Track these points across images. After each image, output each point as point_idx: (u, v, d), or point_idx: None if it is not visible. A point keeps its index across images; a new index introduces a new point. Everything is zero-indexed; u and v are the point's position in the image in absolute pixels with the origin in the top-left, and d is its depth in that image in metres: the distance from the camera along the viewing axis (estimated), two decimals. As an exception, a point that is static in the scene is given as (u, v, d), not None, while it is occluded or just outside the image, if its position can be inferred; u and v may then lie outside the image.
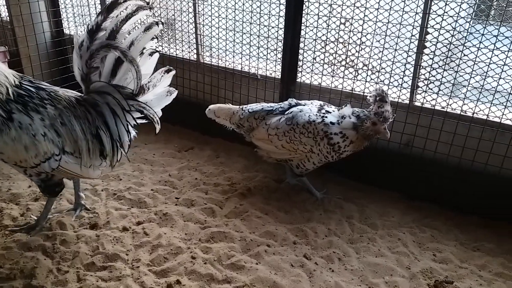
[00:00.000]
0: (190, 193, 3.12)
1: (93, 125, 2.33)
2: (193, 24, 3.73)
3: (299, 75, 3.33)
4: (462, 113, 2.85)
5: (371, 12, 2.91)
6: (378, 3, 2.85)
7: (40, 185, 2.47)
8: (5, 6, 4.14)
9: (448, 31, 2.73)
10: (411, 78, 2.98)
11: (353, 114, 2.76)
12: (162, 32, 2.28)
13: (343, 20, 3.05)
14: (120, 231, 2.67)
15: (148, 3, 2.30)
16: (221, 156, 3.71)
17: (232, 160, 3.63)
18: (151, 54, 2.38)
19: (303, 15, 3.11)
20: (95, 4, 4.13)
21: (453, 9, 2.67)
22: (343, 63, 3.19)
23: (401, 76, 2.98)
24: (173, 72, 2.46)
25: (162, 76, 2.41)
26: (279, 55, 3.36)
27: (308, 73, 3.30)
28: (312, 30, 3.16)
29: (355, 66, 3.15)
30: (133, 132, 2.47)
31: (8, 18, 4.25)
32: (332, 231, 2.78)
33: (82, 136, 2.31)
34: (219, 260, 2.46)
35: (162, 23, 2.30)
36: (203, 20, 3.68)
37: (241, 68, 3.62)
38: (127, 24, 2.24)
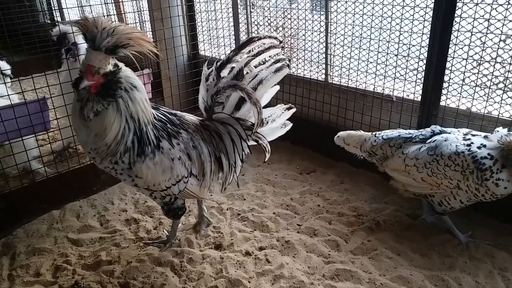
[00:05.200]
0: (312, 221, 2.96)
1: (217, 149, 2.40)
2: (324, 43, 3.60)
3: (443, 98, 2.94)
4: None
5: (543, 26, 2.42)
6: (555, 14, 2.36)
7: (163, 207, 2.52)
8: (151, 32, 4.57)
9: None
10: None
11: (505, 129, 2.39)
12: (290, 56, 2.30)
13: (503, 37, 2.60)
14: (243, 255, 2.63)
15: (281, 42, 2.33)
16: (346, 182, 3.48)
17: (358, 188, 3.37)
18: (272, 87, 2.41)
19: (452, 32, 2.74)
20: (229, 26, 4.30)
21: None
22: (501, 85, 2.72)
23: None
24: (294, 110, 2.49)
25: (282, 112, 2.47)
26: (420, 75, 3.02)
27: (454, 96, 2.89)
28: (462, 49, 2.76)
29: (516, 90, 2.66)
30: (246, 150, 2.49)
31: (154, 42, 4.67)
32: (481, 285, 2.33)
33: (209, 158, 2.38)
34: (345, 302, 2.24)
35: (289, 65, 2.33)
36: (335, 40, 3.53)
37: (374, 89, 3.36)
38: (256, 60, 2.28)
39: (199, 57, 4.56)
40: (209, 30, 4.56)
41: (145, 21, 4.94)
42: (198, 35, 4.54)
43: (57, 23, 5.77)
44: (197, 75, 4.41)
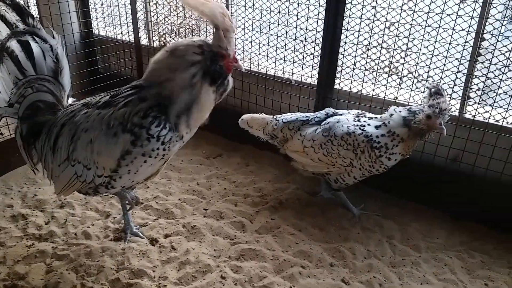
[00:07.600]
0: (219, 204, 2.97)
1: None
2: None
3: (337, 81, 3.12)
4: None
5: (419, 16, 2.68)
6: (429, 6, 2.62)
7: None
8: (35, 6, 4.09)
9: (508, 38, 2.47)
10: (462, 88, 2.73)
11: (404, 108, 2.52)
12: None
13: (387, 24, 2.83)
14: (146, 245, 2.54)
15: None
16: (251, 165, 3.55)
17: (262, 170, 3.45)
18: None
19: (344, 17, 2.90)
20: (125, 4, 4.03)
21: (514, 13, 2.42)
22: (386, 69, 2.97)
23: (451, 86, 2.73)
24: None
25: None
26: (316, 60, 3.16)
27: (347, 79, 3.09)
28: (353, 34, 2.95)
29: (399, 73, 2.92)
30: None
31: (37, 18, 4.20)
32: (371, 253, 2.56)
33: None
34: (250, 281, 2.29)
35: None
36: (236, 22, 3.52)
37: (275, 73, 3.43)
38: None
39: (92, 36, 4.21)
40: (104, 7, 4.23)
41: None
42: (91, 12, 4.18)
43: None
44: (90, 55, 4.08)
